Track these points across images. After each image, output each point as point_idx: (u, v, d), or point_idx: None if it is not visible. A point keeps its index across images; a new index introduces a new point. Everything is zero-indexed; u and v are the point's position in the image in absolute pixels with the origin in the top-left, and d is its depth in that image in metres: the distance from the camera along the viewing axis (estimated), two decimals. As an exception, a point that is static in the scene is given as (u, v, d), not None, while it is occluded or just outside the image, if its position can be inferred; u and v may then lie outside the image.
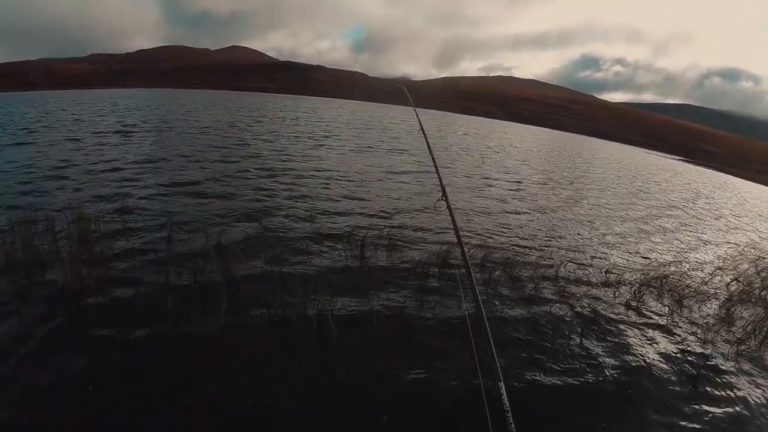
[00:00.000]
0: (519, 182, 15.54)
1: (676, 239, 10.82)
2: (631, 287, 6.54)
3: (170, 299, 4.58)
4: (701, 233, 12.24)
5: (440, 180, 3.76)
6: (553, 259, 7.41)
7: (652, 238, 10.39)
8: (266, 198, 8.98)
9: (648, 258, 8.57)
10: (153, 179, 9.88)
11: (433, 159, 4.20)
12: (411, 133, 30.14)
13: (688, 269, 8.17)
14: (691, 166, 63.21)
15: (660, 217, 13.53)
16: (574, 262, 7.39)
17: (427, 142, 4.50)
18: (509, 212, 10.60)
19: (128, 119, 24.22)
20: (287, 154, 14.65)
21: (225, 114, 34.06)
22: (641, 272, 7.26)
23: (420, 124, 5.17)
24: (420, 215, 9.03)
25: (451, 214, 3.32)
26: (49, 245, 5.81)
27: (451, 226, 3.32)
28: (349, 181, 11.38)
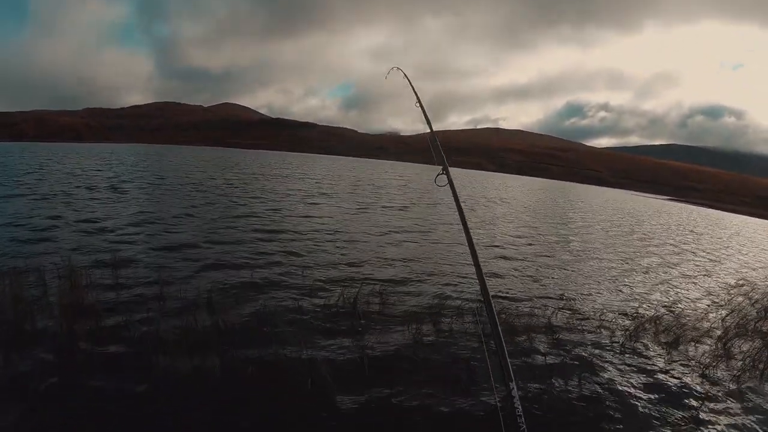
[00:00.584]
0: (514, 234, 15.58)
1: (670, 278, 10.80)
2: (626, 331, 6.47)
3: (161, 353, 4.52)
4: (695, 270, 12.28)
5: (441, 152, 3.58)
6: (546, 307, 7.31)
7: (646, 279, 10.36)
8: (259, 256, 8.86)
9: (643, 299, 8.52)
10: (145, 235, 9.89)
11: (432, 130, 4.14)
12: (402, 188, 30.67)
13: (683, 307, 8.15)
14: (680, 204, 64.17)
15: (652, 257, 13.57)
16: (567, 309, 7.32)
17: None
18: (500, 261, 10.56)
19: (121, 174, 24.52)
20: (281, 212, 14.59)
21: (218, 171, 34.29)
22: (636, 314, 7.24)
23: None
24: (416, 270, 8.91)
25: (453, 191, 3.32)
26: (39, 297, 5.78)
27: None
28: (344, 240, 11.19)
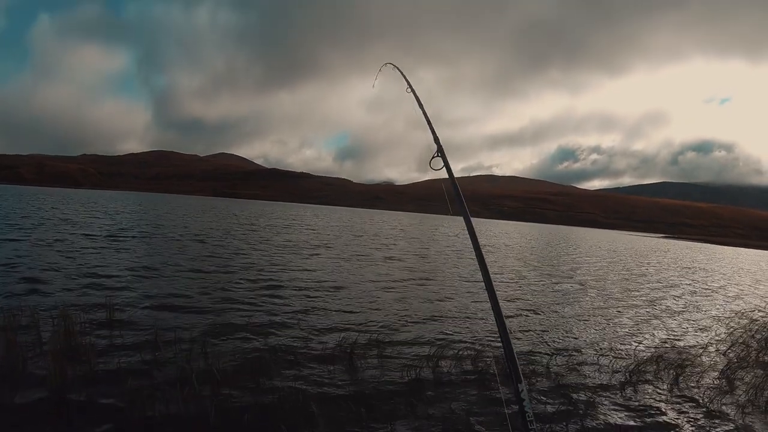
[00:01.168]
0: (507, 277, 15.62)
1: (668, 315, 10.84)
2: (626, 371, 6.40)
3: (156, 400, 4.48)
4: (694, 305, 12.36)
5: (434, 135, 3.50)
6: (543, 350, 7.26)
7: (645, 318, 10.34)
8: (255, 305, 8.80)
9: (642, 338, 8.51)
10: (141, 283, 9.90)
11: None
12: (402, 238, 30.64)
13: (684, 344, 8.13)
14: (675, 241, 64.66)
15: (650, 295, 13.59)
16: (565, 352, 7.26)
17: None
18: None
19: (118, 222, 24.83)
20: (278, 263, 14.46)
21: (216, 221, 34.52)
22: (636, 353, 7.20)
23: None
24: (413, 317, 8.83)
25: (450, 173, 3.21)
26: (32, 342, 5.78)
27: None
28: (344, 291, 10.96)
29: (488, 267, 2.65)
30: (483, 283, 2.57)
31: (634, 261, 26.09)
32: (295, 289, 10.56)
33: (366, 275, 13.58)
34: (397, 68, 4.29)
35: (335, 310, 8.78)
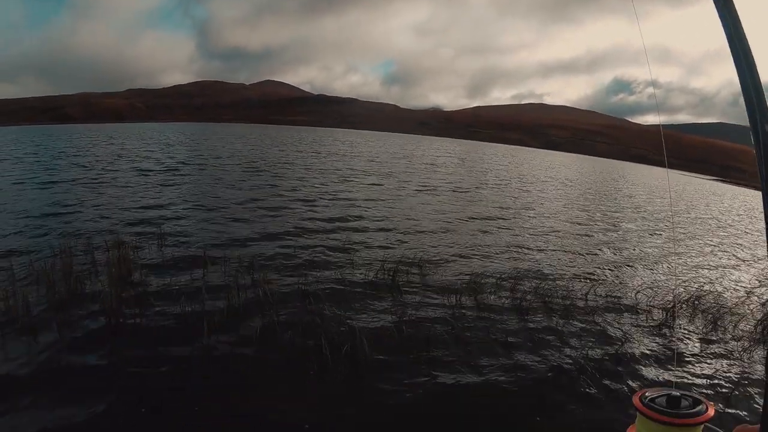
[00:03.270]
0: (554, 214, 15.65)
1: (711, 260, 10.73)
2: (664, 310, 6.44)
3: (205, 322, 4.67)
4: (737, 253, 12.13)
5: None
6: (582, 283, 7.39)
7: (687, 260, 10.33)
8: (304, 231, 9.01)
9: (683, 279, 8.50)
10: (192, 210, 10.37)
11: None
12: (467, 168, 30.39)
13: (724, 289, 8.04)
14: (727, 186, 61.51)
15: (694, 238, 13.52)
16: (603, 286, 7.37)
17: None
18: (539, 239, 10.61)
19: (172, 154, 25.38)
20: (327, 188, 14.44)
21: (267, 149, 34.55)
22: (675, 294, 7.22)
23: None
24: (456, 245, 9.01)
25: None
26: (89, 269, 6.18)
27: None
28: (400, 223, 10.86)
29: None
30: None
31: (683, 203, 25.73)
32: (346, 218, 10.73)
33: (430, 206, 13.80)
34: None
35: (385, 244, 8.85)
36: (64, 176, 14.71)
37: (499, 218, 12.78)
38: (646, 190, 31.46)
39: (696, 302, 6.71)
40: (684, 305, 6.64)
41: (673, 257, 10.47)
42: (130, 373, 3.95)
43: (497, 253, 8.87)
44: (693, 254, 11.15)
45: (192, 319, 4.83)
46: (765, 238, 0.76)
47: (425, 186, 17.57)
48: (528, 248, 9.57)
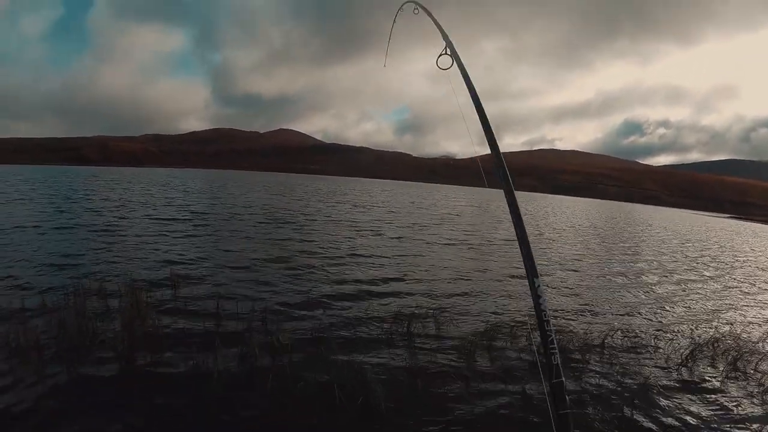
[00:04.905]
0: (569, 253, 15.45)
1: (730, 298, 10.58)
2: (682, 352, 6.37)
3: (217, 369, 4.71)
4: (757, 291, 11.93)
5: (441, 31, 3.24)
6: (602, 326, 7.27)
7: (705, 301, 10.13)
8: (318, 279, 8.92)
9: (701, 320, 8.37)
10: (206, 255, 10.38)
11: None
12: (483, 218, 30.68)
13: (743, 329, 7.93)
14: (741, 222, 60.40)
15: (712, 277, 13.30)
16: (623, 329, 7.23)
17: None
18: (557, 280, 10.47)
19: (189, 200, 25.54)
20: (337, 238, 14.29)
21: (280, 197, 34.43)
22: (693, 336, 7.18)
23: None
24: (470, 290, 8.89)
25: (465, 73, 2.94)
26: (102, 313, 6.13)
27: None
28: (421, 275, 10.45)
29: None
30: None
31: (696, 242, 25.13)
32: (360, 264, 10.78)
33: (446, 258, 13.85)
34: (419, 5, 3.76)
35: (401, 295, 8.63)
36: (80, 220, 14.79)
37: (513, 267, 12.49)
38: (659, 230, 31.11)
39: (715, 344, 6.66)
40: (703, 348, 6.53)
41: (692, 297, 10.31)
42: (140, 418, 3.94)
43: (513, 298, 8.73)
44: (711, 293, 10.98)
45: (204, 366, 4.82)
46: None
47: (444, 238, 17.07)
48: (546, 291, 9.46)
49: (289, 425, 4.03)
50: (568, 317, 7.80)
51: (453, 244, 15.35)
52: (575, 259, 14.26)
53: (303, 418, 4.11)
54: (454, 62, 3.01)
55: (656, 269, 13.93)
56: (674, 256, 17.61)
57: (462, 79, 2.94)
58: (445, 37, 3.14)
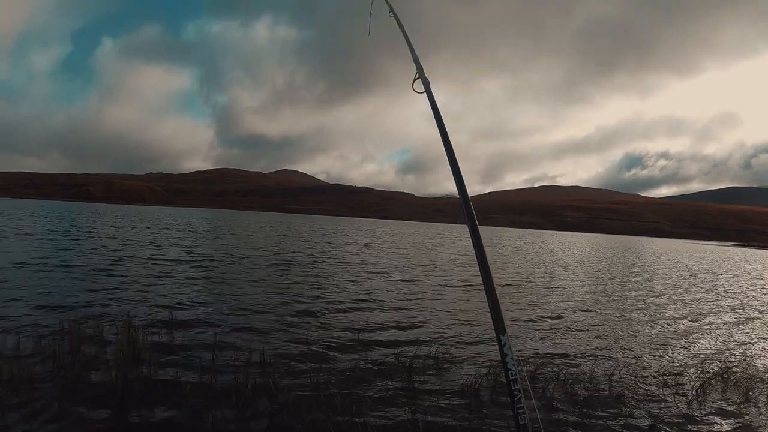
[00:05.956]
0: (572, 289, 15.33)
1: (738, 329, 10.42)
2: (693, 385, 6.23)
3: (212, 412, 4.60)
4: (760, 319, 11.82)
5: (413, 52, 3.19)
6: (607, 365, 7.09)
7: (713, 331, 9.95)
8: (317, 322, 8.79)
9: (710, 352, 8.21)
10: (205, 298, 10.27)
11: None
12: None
13: (753, 358, 7.79)
14: (744, 250, 60.11)
15: (717, 306, 13.15)
16: (629, 366, 7.05)
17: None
18: (562, 319, 10.32)
19: (193, 241, 25.49)
20: (335, 277, 14.29)
21: (287, 238, 34.12)
22: (703, 368, 7.01)
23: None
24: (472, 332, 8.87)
25: (431, 99, 2.95)
26: (96, 351, 6.06)
27: None
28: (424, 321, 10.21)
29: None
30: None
31: (698, 272, 24.45)
32: (361, 308, 10.52)
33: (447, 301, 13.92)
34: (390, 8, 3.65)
35: (402, 340, 8.56)
36: (82, 258, 14.76)
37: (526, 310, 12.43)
38: (661, 261, 30.80)
39: (726, 375, 6.52)
40: (714, 380, 6.40)
41: (698, 329, 10.10)
42: None
43: (518, 338, 8.50)
44: (722, 324, 10.81)
45: (199, 407, 4.70)
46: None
47: (449, 280, 16.39)
48: (547, 332, 9.24)
49: None
50: (572, 353, 7.65)
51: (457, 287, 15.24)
52: (586, 297, 14.08)
53: None
54: (425, 83, 3.03)
55: (666, 302, 13.74)
56: (685, 288, 17.43)
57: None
58: (414, 56, 3.15)
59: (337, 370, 6.31)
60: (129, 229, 29.36)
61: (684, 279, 20.78)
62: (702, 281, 20.22)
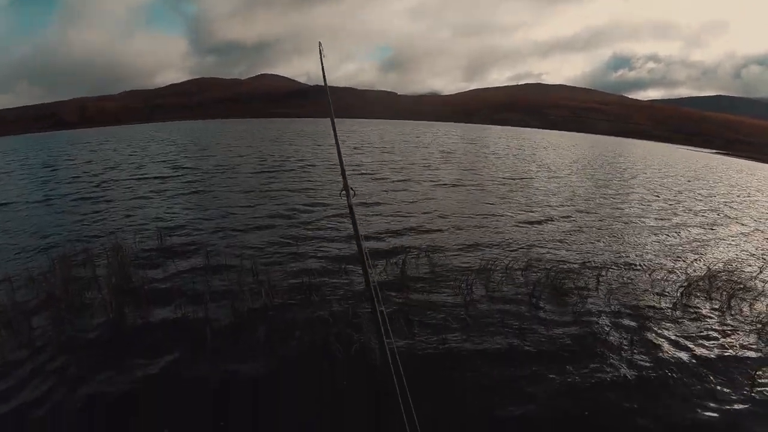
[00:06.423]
0: (562, 192, 15.20)
1: (723, 235, 10.50)
2: (678, 288, 6.40)
3: (209, 330, 4.67)
4: (749, 226, 11.87)
5: (343, 174, 3.13)
6: (596, 265, 7.28)
7: (697, 237, 10.09)
8: (307, 225, 9.02)
9: (695, 257, 8.37)
10: (192, 206, 10.54)
11: (339, 155, 3.31)
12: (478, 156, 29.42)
13: (737, 265, 7.89)
14: (729, 158, 60.83)
15: (702, 213, 13.22)
16: (617, 267, 7.31)
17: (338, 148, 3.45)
18: (549, 220, 10.46)
19: (177, 154, 25.14)
20: (318, 182, 14.00)
21: (278, 144, 33.75)
22: (688, 272, 7.19)
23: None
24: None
25: (352, 212, 2.86)
26: (88, 276, 6.14)
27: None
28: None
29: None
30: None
31: (683, 177, 24.91)
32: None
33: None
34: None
35: (395, 241, 8.87)
36: (65, 188, 14.34)
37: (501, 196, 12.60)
38: (650, 164, 31.23)
39: (710, 280, 6.70)
40: (698, 284, 6.56)
41: (683, 232, 10.40)
42: (131, 384, 3.90)
43: (509, 241, 8.65)
44: (706, 230, 10.97)
45: (196, 325, 4.80)
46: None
47: (443, 179, 16.81)
48: (537, 230, 9.49)
49: (286, 378, 4.00)
50: (562, 253, 7.86)
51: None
52: (567, 198, 14.21)
53: (301, 367, 4.13)
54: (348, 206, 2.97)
55: (646, 207, 14.08)
56: (666, 196, 17.78)
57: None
58: None
59: (327, 267, 6.64)
60: (108, 152, 28.39)
61: (679, 185, 20.90)
62: (695, 189, 20.25)
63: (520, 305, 5.65)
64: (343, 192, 2.93)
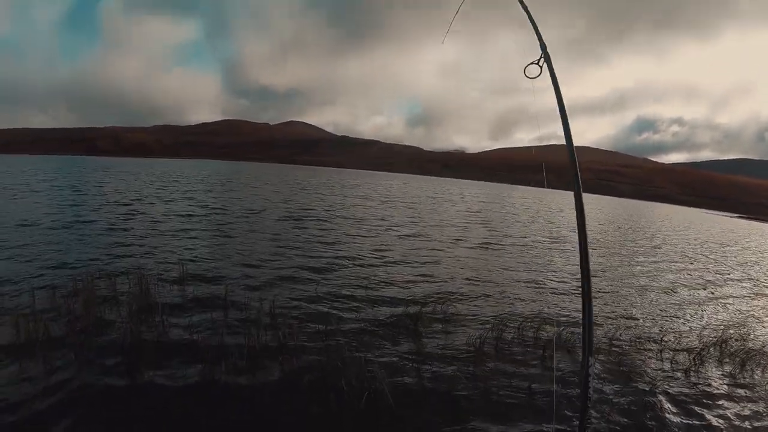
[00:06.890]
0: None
1: (737, 301, 10.39)
2: (690, 354, 6.31)
3: (224, 362, 4.77)
4: (761, 291, 11.77)
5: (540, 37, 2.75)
6: (605, 330, 7.10)
7: (711, 303, 9.94)
8: (327, 274, 9.00)
9: (707, 323, 8.26)
10: (215, 248, 10.61)
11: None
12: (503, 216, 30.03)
13: (750, 330, 7.85)
14: (751, 222, 59.55)
15: (718, 279, 13.05)
16: (629, 330, 7.18)
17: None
18: (563, 280, 10.37)
19: (205, 193, 25.73)
20: (341, 230, 14.25)
21: (305, 192, 33.86)
22: (700, 338, 7.06)
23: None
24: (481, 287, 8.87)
25: (554, 78, 2.59)
26: (110, 300, 6.33)
27: None
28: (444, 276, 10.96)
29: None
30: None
31: (703, 243, 24.48)
32: (367, 262, 10.89)
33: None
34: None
35: (411, 294, 8.96)
36: (92, 214, 14.57)
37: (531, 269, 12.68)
38: (667, 228, 30.88)
39: (723, 346, 6.60)
40: (710, 350, 6.48)
41: (698, 297, 10.17)
42: (146, 408, 3.98)
43: (521, 299, 8.62)
44: (720, 296, 10.75)
45: (211, 358, 4.85)
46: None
47: (467, 239, 16.82)
48: (552, 292, 9.39)
49: (296, 418, 4.02)
50: (572, 315, 7.67)
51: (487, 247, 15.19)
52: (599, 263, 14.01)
53: (310, 413, 4.11)
54: (544, 70, 2.64)
55: (660, 270, 13.77)
56: (694, 257, 17.49)
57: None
58: (542, 42, 2.72)
59: (345, 316, 6.61)
60: (138, 183, 29.37)
61: (693, 248, 20.74)
62: (711, 251, 20.18)
63: (533, 365, 5.69)
64: None
